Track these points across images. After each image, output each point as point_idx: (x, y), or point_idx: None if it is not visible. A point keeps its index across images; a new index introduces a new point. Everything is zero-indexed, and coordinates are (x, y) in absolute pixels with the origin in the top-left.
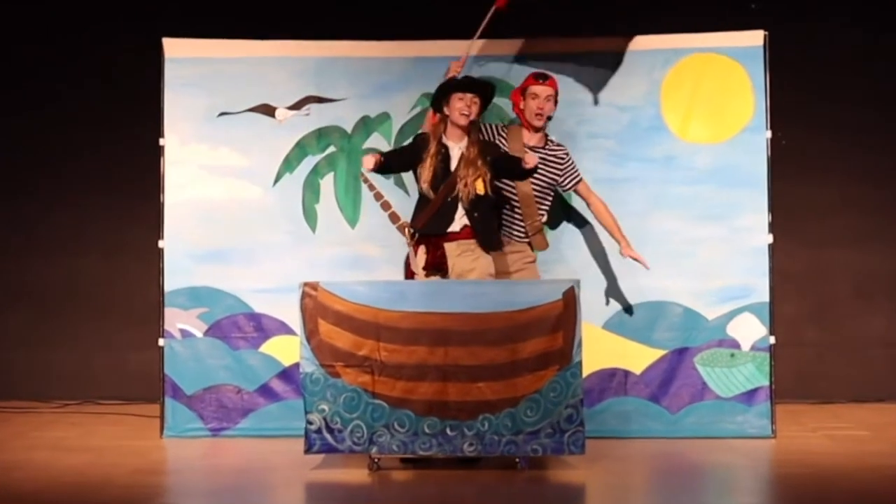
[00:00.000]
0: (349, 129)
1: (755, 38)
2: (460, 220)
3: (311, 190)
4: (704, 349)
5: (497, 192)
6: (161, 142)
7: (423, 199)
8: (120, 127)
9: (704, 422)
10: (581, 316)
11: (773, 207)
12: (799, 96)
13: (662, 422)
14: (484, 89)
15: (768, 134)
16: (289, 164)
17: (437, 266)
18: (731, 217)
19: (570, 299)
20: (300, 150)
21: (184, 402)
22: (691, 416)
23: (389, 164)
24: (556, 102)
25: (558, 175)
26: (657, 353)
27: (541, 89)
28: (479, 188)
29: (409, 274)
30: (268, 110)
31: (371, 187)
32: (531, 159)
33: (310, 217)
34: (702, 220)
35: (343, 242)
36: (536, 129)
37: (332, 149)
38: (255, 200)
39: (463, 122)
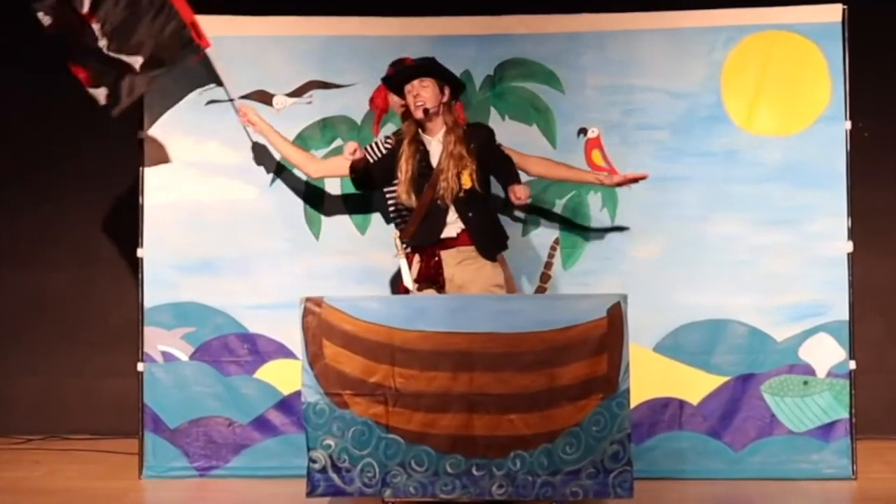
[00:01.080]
0: (358, 119)
1: (832, 13)
2: (455, 224)
3: (314, 190)
4: (773, 376)
5: (487, 186)
6: (140, 135)
7: (407, 207)
8: (91, 118)
9: (773, 461)
10: (628, 336)
11: (852, 210)
12: (883, 81)
13: (724, 460)
14: (426, 68)
15: (847, 124)
16: (289, 162)
17: (430, 277)
18: (803, 221)
19: (617, 317)
20: (302, 143)
21: (166, 436)
22: (758, 455)
23: (370, 171)
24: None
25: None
26: (717, 381)
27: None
28: (465, 181)
29: (402, 289)
30: (264, 97)
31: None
32: (521, 192)
33: (312, 222)
34: (769, 224)
35: (351, 251)
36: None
37: (338, 142)
38: (250, 202)
39: (419, 113)
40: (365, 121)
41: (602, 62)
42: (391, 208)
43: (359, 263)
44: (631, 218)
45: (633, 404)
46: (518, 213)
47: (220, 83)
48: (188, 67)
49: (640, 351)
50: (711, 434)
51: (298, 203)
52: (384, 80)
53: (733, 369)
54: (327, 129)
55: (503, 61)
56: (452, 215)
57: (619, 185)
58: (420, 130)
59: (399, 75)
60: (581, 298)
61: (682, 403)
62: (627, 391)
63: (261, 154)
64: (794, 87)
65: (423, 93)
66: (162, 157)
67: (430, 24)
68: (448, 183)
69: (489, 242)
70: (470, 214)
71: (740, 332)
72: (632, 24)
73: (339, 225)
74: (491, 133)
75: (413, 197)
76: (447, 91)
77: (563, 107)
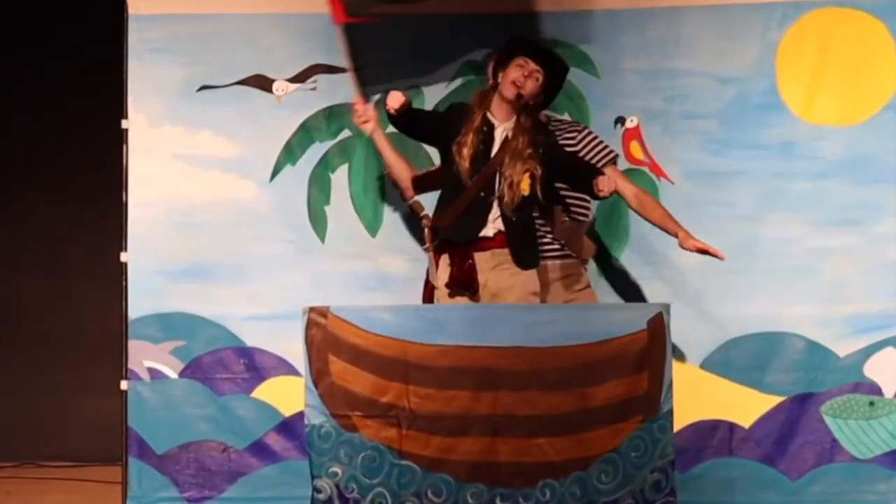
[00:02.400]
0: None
1: None
2: (494, 224)
3: (319, 187)
4: (835, 396)
5: (546, 196)
6: (124, 124)
7: (449, 191)
8: (70, 105)
9: (835, 491)
10: (671, 351)
11: None
12: None
13: (779, 491)
14: (554, 65)
15: None
16: (290, 152)
17: (464, 283)
18: (868, 221)
19: (658, 329)
20: (305, 134)
21: (153, 463)
22: (817, 484)
23: (417, 120)
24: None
25: (575, 152)
26: (772, 401)
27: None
28: (525, 187)
29: (429, 293)
30: (263, 83)
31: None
32: (606, 184)
33: (318, 222)
34: (830, 225)
35: (361, 255)
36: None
37: (346, 133)
38: (247, 200)
39: (510, 94)
40: (376, 108)
41: (642, 43)
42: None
43: (369, 269)
44: (674, 217)
45: (676, 427)
46: None
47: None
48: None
49: (684, 368)
50: (765, 461)
51: (301, 201)
52: (518, 37)
53: (790, 388)
54: (333, 118)
55: None
56: (494, 213)
57: (695, 250)
58: (489, 109)
59: (530, 46)
60: (618, 309)
61: (732, 427)
62: (670, 413)
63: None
64: (858, 71)
65: (531, 82)
66: (148, 150)
67: (450, 1)
68: (510, 181)
69: (526, 252)
70: (514, 218)
71: (798, 347)
72: (676, 1)
73: (347, 226)
74: (556, 140)
75: (469, 178)
76: (542, 96)
77: (598, 93)
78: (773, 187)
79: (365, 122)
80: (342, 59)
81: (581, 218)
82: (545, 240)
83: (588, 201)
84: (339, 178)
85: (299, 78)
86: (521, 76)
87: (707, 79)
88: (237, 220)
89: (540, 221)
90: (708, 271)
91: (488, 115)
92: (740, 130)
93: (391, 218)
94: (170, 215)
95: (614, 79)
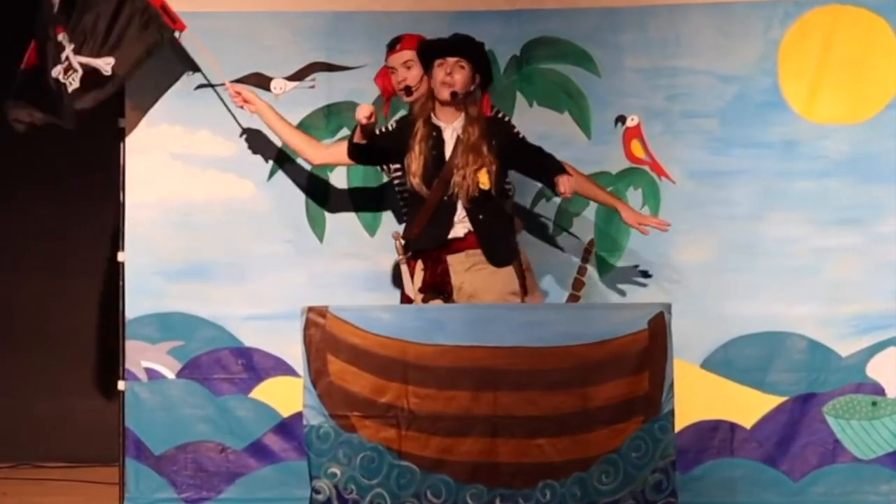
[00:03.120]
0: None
1: None
2: (462, 224)
3: (317, 186)
4: (837, 396)
5: (505, 188)
6: (121, 122)
7: (414, 200)
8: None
9: (837, 492)
10: (672, 351)
11: None
12: None
13: (781, 491)
14: (469, 50)
15: None
16: (290, 152)
17: (436, 286)
18: (871, 221)
19: (659, 329)
20: (304, 132)
21: (151, 464)
22: (819, 485)
23: (373, 145)
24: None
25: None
26: (773, 402)
27: (393, 59)
28: (483, 181)
29: (406, 300)
30: (261, 81)
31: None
32: (566, 184)
33: (316, 221)
34: (833, 224)
35: (359, 255)
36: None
37: (344, 132)
38: (245, 200)
39: (444, 94)
40: (374, 107)
41: (643, 41)
42: (401, 197)
43: (368, 268)
44: (676, 217)
45: (678, 428)
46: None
47: (197, 69)
48: (167, 54)
49: (686, 367)
50: (767, 462)
51: (300, 200)
52: (421, 42)
53: (792, 388)
54: (332, 116)
55: (531, 40)
56: (460, 214)
57: (636, 225)
58: (433, 114)
59: (438, 45)
60: (619, 308)
61: (733, 427)
62: (671, 413)
63: (257, 141)
64: (860, 69)
65: (458, 74)
66: (145, 149)
67: None
68: (465, 180)
69: (499, 249)
70: (481, 217)
71: (800, 347)
72: None
73: (346, 225)
74: (511, 127)
75: (424, 185)
76: (478, 79)
77: (598, 92)
78: (774, 186)
79: (245, 102)
80: (341, 58)
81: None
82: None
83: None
84: (338, 177)
85: (298, 76)
86: (444, 74)
87: (708, 77)
88: (235, 219)
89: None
90: (709, 270)
91: (434, 120)
92: (742, 129)
93: (390, 217)
94: (167, 215)
95: (615, 77)
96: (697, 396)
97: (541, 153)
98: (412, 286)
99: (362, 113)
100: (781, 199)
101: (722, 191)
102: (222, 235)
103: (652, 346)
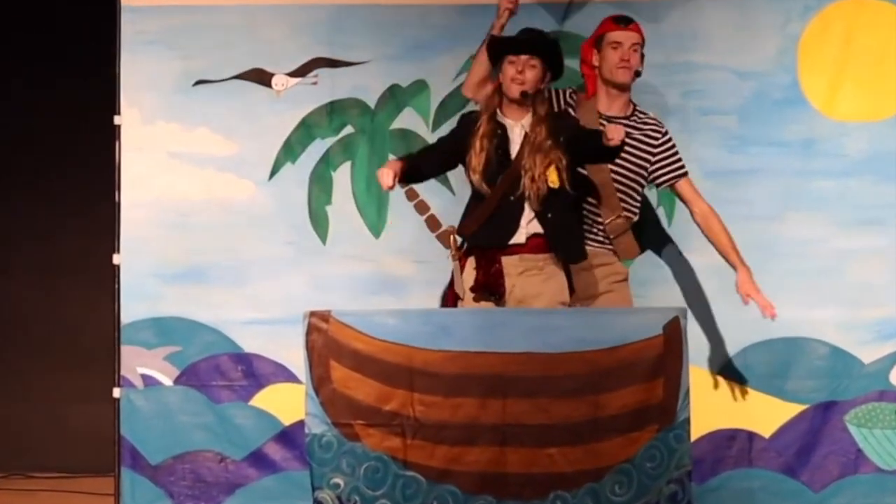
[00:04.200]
0: (372, 102)
1: None
2: (527, 228)
3: (320, 186)
4: (859, 404)
5: (579, 185)
6: (116, 120)
7: (475, 198)
8: (60, 101)
9: (859, 503)
10: (688, 357)
11: None
12: None
13: (801, 503)
14: (542, 47)
15: None
16: (290, 150)
17: (489, 287)
18: (893, 221)
19: (675, 335)
20: (306, 131)
21: (147, 474)
22: (841, 496)
23: (420, 169)
24: (643, 57)
25: (648, 158)
26: (793, 410)
27: (623, 35)
28: (553, 180)
29: (452, 298)
30: (262, 77)
31: (404, 185)
32: (615, 132)
33: (319, 222)
34: (854, 225)
35: (364, 257)
36: (621, 88)
37: (348, 129)
38: (245, 200)
39: (514, 93)
40: (379, 105)
41: (657, 36)
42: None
43: (372, 271)
44: (691, 218)
45: (693, 437)
46: None
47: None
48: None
49: (702, 375)
50: (786, 472)
51: (302, 201)
52: (493, 39)
53: (812, 396)
54: (335, 114)
55: None
56: (527, 217)
57: (745, 295)
58: (499, 111)
59: (511, 42)
60: (632, 313)
61: (751, 436)
62: (687, 421)
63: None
64: (883, 64)
65: (529, 73)
66: (142, 147)
67: None
68: (534, 182)
69: (572, 245)
70: (550, 216)
71: (820, 353)
72: None
73: (350, 226)
74: (577, 121)
75: (484, 182)
76: (548, 77)
77: None
78: (794, 186)
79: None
80: (345, 53)
81: (629, 215)
82: (590, 226)
83: (637, 199)
84: (342, 176)
85: (300, 72)
86: (516, 72)
87: (725, 73)
88: (235, 220)
89: (594, 209)
90: (726, 273)
91: (499, 118)
92: (760, 127)
93: (395, 218)
94: (164, 216)
95: None
96: (714, 404)
97: (591, 134)
98: (462, 283)
99: (384, 182)
100: (801, 198)
101: (739, 190)
102: (221, 237)
103: (667, 352)
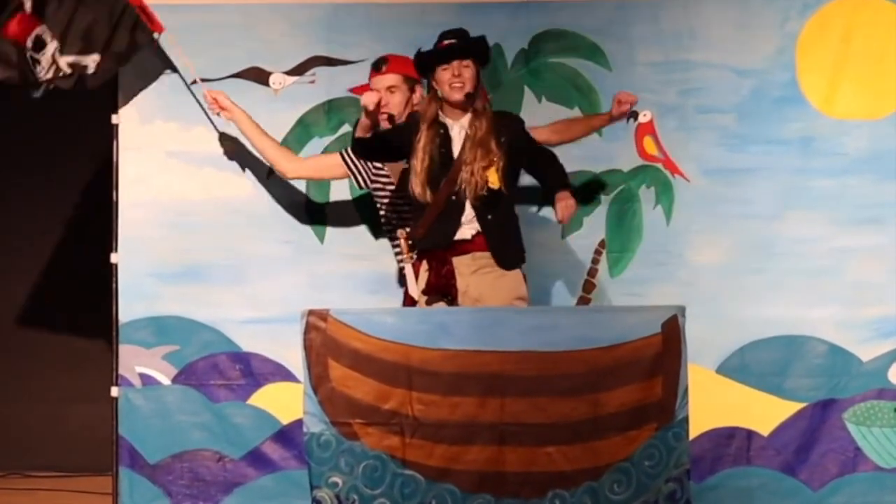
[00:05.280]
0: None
1: None
2: (470, 225)
3: (317, 185)
4: (857, 402)
5: (514, 187)
6: (114, 119)
7: (418, 204)
8: (57, 100)
9: (858, 501)
10: (687, 356)
11: None
12: None
13: (800, 501)
14: (468, 48)
15: None
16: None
17: (441, 288)
18: (892, 220)
19: (673, 333)
20: (304, 129)
21: (145, 473)
22: (840, 494)
23: (378, 141)
24: (412, 90)
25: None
26: (792, 408)
27: (376, 81)
28: (493, 180)
29: (409, 301)
30: (260, 76)
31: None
32: (565, 212)
33: (317, 221)
34: (853, 224)
35: (362, 256)
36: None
37: (346, 128)
38: (243, 199)
39: (458, 96)
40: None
41: (656, 34)
42: (385, 205)
43: (371, 270)
44: (690, 216)
45: (692, 435)
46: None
47: (174, 69)
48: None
49: (700, 373)
50: (785, 470)
51: (300, 200)
52: (419, 55)
53: (811, 394)
54: (333, 113)
55: (539, 33)
56: (468, 215)
57: (618, 117)
58: (440, 112)
59: (437, 55)
60: (631, 311)
61: (750, 434)
62: (686, 420)
63: (232, 147)
64: (881, 62)
65: (465, 72)
66: (140, 146)
67: None
68: (473, 176)
69: (508, 251)
70: (489, 217)
71: (819, 351)
72: None
73: (349, 226)
74: (522, 124)
75: (428, 191)
76: (479, 70)
77: (609, 86)
78: (793, 184)
79: (221, 109)
80: (343, 51)
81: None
82: None
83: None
84: (340, 187)
85: (297, 70)
86: (452, 76)
87: (724, 71)
88: (233, 219)
89: None
90: (725, 272)
91: (441, 118)
92: (758, 125)
93: None
94: (162, 215)
95: (627, 71)
96: (713, 403)
97: (550, 160)
98: (416, 287)
99: (370, 99)
100: (799, 197)
101: (738, 189)
102: (219, 236)
103: (665, 350)
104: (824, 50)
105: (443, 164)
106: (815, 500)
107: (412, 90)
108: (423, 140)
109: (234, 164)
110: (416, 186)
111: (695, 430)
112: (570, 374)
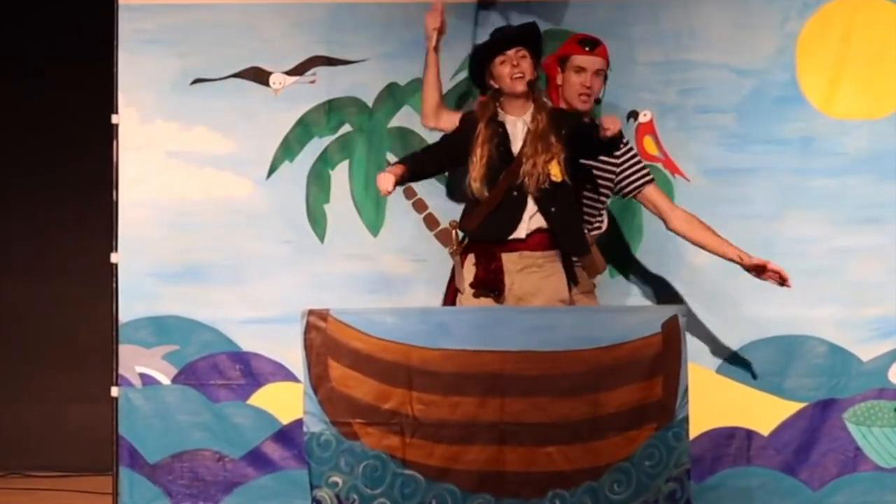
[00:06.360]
0: (370, 101)
1: None
2: (529, 223)
3: (318, 184)
4: (858, 402)
5: (580, 178)
6: (114, 119)
7: (472, 202)
8: (57, 100)
9: (858, 501)
10: (687, 356)
11: None
12: None
13: (800, 501)
14: (525, 36)
15: None
16: (288, 149)
17: (489, 284)
18: (892, 220)
19: (673, 333)
20: (304, 129)
21: (145, 473)
22: (840, 494)
23: (422, 170)
24: (606, 79)
25: (613, 169)
26: (792, 408)
27: (587, 61)
28: (555, 173)
29: (452, 294)
30: (260, 76)
31: (401, 183)
32: (611, 122)
33: (317, 221)
34: (852, 223)
35: (362, 256)
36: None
37: (346, 128)
38: (243, 199)
39: (520, 87)
40: (377, 103)
41: (655, 34)
42: None
43: (371, 270)
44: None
45: (692, 435)
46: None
47: None
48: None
49: (701, 373)
50: (785, 470)
51: (300, 199)
52: (480, 46)
53: (811, 394)
54: (333, 113)
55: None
56: (530, 212)
57: (757, 271)
58: (500, 110)
59: (499, 42)
60: (631, 311)
61: (750, 434)
62: (686, 420)
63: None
64: (881, 62)
65: (524, 63)
66: (139, 146)
67: None
68: (535, 168)
69: (575, 240)
70: (553, 210)
71: (819, 351)
72: None
73: (348, 225)
74: (581, 119)
75: (485, 188)
76: (536, 63)
77: (609, 86)
78: (792, 184)
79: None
80: (343, 51)
81: (595, 230)
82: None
83: (602, 214)
84: (340, 175)
85: (298, 70)
86: (512, 68)
87: (724, 71)
88: (233, 219)
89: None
90: (725, 272)
91: (500, 117)
92: (758, 125)
93: (394, 216)
94: (162, 215)
95: (627, 71)
96: (713, 402)
97: (588, 127)
98: (463, 279)
99: (384, 187)
100: (799, 197)
101: (738, 189)
102: (219, 236)
103: (666, 350)
104: (824, 50)
105: (501, 161)
106: (815, 499)
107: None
108: (481, 138)
109: (235, 165)
110: (474, 182)
111: (695, 430)
112: (570, 373)
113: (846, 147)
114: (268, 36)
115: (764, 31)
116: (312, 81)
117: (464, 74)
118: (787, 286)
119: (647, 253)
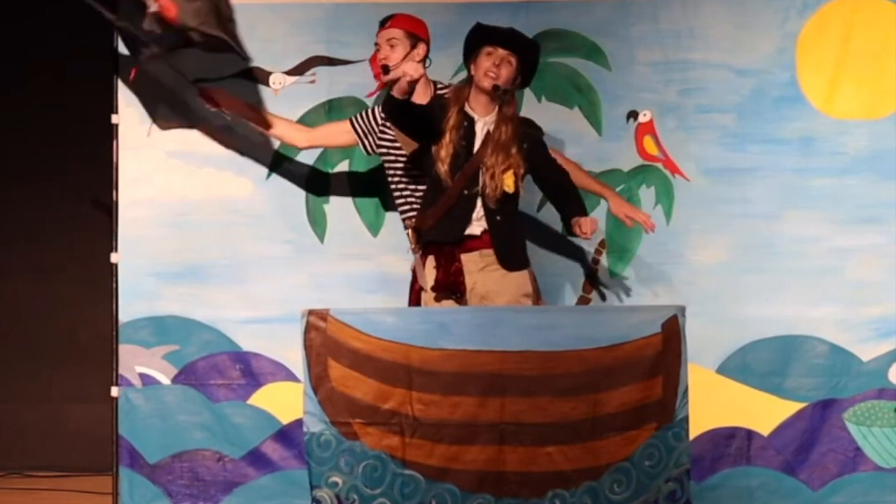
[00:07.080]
0: (370, 100)
1: None
2: (480, 223)
3: (318, 184)
4: (858, 402)
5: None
6: (114, 119)
7: (434, 190)
8: (57, 100)
9: (858, 501)
10: (687, 356)
11: None
12: None
13: (800, 501)
14: (523, 46)
15: None
16: (288, 149)
17: (450, 286)
18: (892, 219)
19: (673, 333)
20: None
21: (145, 473)
22: (840, 494)
23: (408, 110)
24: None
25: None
26: (792, 408)
27: (382, 34)
28: (509, 185)
29: (416, 296)
30: (260, 76)
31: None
32: (587, 225)
33: (317, 221)
34: (853, 223)
35: (362, 255)
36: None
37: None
38: (243, 199)
39: (486, 84)
40: (377, 103)
41: (655, 34)
42: (396, 170)
43: (371, 269)
44: (690, 216)
45: (692, 435)
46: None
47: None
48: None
49: (701, 373)
50: (785, 470)
51: (300, 199)
52: (482, 28)
53: (811, 394)
54: (333, 112)
55: (539, 33)
56: (479, 212)
57: (624, 216)
58: (467, 103)
59: (494, 33)
60: (631, 311)
61: (750, 434)
62: (686, 420)
63: (252, 143)
64: (881, 62)
65: (504, 69)
66: (139, 146)
67: None
68: (493, 180)
69: (513, 253)
70: (498, 218)
71: (819, 351)
72: None
73: (348, 225)
74: (542, 134)
75: (450, 179)
76: (519, 80)
77: (609, 86)
78: (793, 184)
79: (216, 105)
80: (342, 51)
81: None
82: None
83: None
84: (340, 175)
85: (297, 70)
86: (492, 65)
87: (724, 71)
88: (233, 219)
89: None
90: (725, 272)
91: (467, 109)
92: (759, 125)
93: (393, 217)
94: (162, 215)
95: (626, 71)
96: (713, 402)
97: (567, 187)
98: (426, 282)
99: (416, 70)
100: (799, 197)
101: (738, 189)
102: (219, 235)
103: (665, 350)
104: (824, 50)
105: (463, 156)
106: (815, 500)
107: (413, 46)
108: (451, 122)
109: (234, 164)
110: (441, 164)
111: (695, 430)
112: (570, 373)
113: (846, 147)
114: (267, 36)
115: (764, 31)
116: (312, 81)
117: (463, 75)
118: (649, 229)
119: (648, 253)
